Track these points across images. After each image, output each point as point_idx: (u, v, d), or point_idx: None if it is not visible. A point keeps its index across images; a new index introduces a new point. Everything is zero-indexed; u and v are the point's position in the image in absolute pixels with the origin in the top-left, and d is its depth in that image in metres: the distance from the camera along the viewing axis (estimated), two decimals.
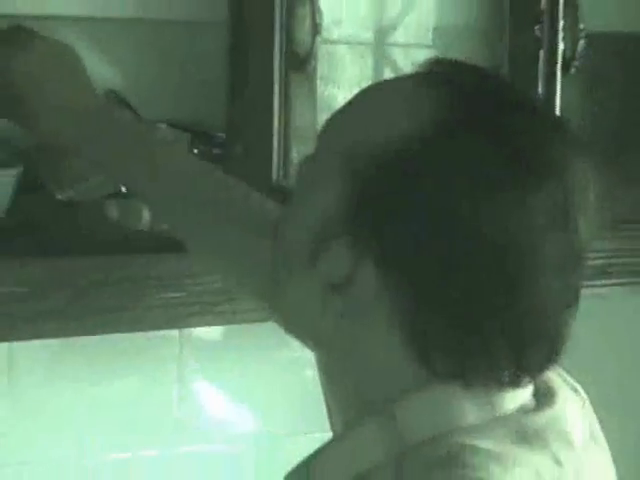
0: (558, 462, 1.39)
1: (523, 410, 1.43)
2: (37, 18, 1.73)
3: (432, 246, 1.31)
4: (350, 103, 1.41)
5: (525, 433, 1.42)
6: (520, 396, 1.41)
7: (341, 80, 1.99)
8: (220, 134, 1.79)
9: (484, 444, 1.37)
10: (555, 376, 1.48)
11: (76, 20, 1.85)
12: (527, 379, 1.38)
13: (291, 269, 1.35)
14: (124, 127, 1.64)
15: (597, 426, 1.50)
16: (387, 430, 1.41)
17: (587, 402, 1.51)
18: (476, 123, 1.32)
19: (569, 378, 1.51)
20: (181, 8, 1.88)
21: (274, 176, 1.75)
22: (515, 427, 1.42)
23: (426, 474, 1.32)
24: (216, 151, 1.81)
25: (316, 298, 1.33)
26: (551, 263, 1.32)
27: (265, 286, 1.57)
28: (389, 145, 1.32)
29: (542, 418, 1.44)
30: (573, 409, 1.50)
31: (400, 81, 1.48)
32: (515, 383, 1.36)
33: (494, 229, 1.30)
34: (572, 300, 1.36)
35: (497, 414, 1.41)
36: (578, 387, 1.51)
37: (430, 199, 1.30)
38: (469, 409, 1.41)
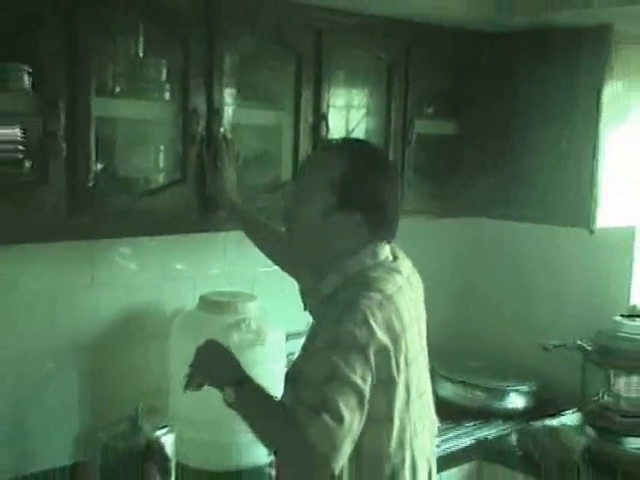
0: (403, 280, 1.72)
1: (387, 259, 1.74)
2: None
3: (352, 199, 1.65)
4: (312, 159, 1.80)
5: (390, 269, 1.73)
6: (385, 253, 1.73)
7: None
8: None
9: (375, 273, 1.69)
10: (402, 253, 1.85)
11: None
12: (389, 240, 1.74)
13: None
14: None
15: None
16: (340, 272, 1.69)
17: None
18: (357, 160, 1.68)
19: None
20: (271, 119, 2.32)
21: None
22: (387, 266, 1.73)
23: (357, 288, 1.64)
24: None
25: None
26: (393, 199, 1.71)
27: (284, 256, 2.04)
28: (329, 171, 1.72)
29: (394, 264, 1.75)
30: (406, 263, 1.80)
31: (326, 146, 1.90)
32: (387, 243, 1.73)
33: (373, 192, 1.68)
34: (398, 211, 1.77)
35: (378, 261, 1.71)
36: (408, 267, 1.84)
37: (345, 184, 1.65)
38: (370, 259, 1.69)
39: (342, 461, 1.50)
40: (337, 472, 1.47)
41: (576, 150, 2.62)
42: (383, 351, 1.57)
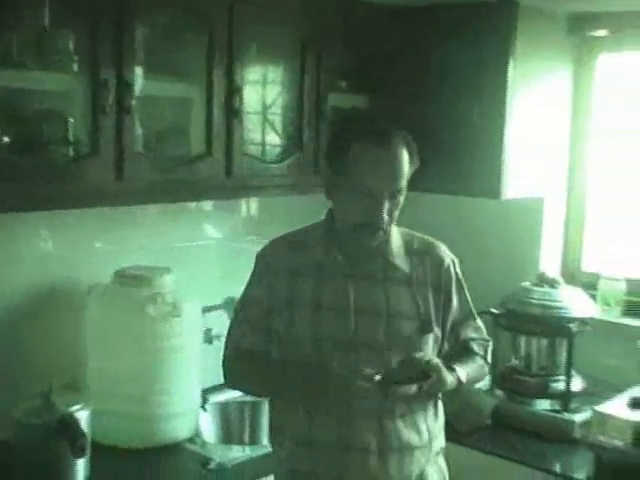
0: None
1: None
2: None
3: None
4: (388, 158, 1.73)
5: None
6: None
7: (249, 125, 2.32)
8: None
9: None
10: None
11: None
12: None
13: None
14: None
15: None
16: (394, 229, 1.83)
17: None
18: (353, 133, 1.74)
19: None
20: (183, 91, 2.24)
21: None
22: None
23: (417, 236, 1.87)
24: None
25: None
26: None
27: None
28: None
29: None
30: None
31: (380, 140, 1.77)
32: None
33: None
34: None
35: None
36: None
37: (330, 155, 1.77)
38: None
39: None
40: None
41: (486, 123, 2.65)
42: None
